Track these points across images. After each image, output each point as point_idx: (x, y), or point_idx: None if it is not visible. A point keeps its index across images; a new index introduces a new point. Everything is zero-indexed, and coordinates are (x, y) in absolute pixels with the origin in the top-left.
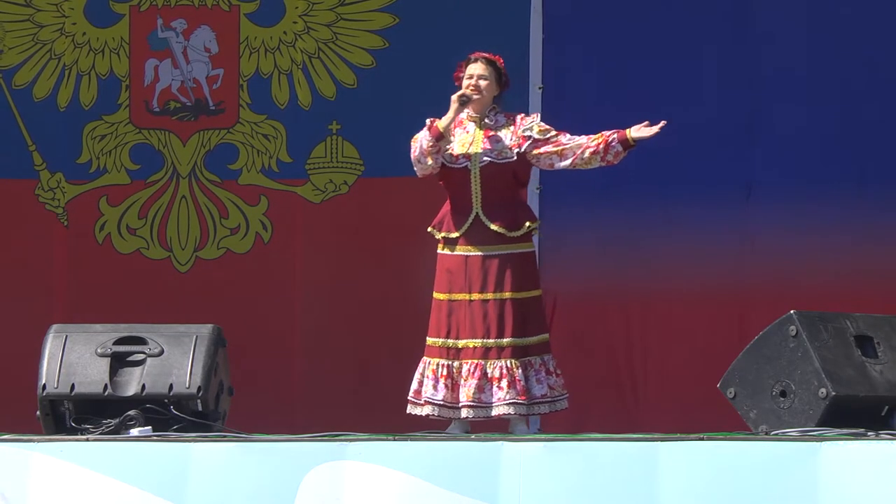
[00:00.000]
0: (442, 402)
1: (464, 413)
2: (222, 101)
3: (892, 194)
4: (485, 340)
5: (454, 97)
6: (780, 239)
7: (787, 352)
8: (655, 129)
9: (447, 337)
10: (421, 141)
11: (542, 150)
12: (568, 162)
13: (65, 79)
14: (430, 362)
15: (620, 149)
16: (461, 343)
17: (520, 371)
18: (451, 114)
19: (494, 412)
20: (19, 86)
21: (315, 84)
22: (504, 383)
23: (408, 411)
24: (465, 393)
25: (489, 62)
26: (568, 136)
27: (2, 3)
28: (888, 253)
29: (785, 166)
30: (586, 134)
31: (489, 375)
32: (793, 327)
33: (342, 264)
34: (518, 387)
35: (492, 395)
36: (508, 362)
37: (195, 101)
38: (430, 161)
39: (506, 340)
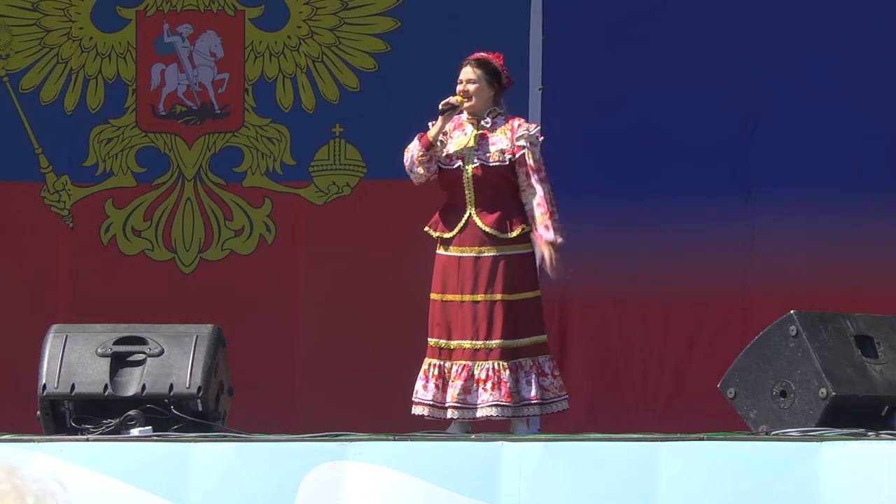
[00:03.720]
0: (431, 402)
1: (449, 413)
2: (227, 104)
3: (892, 194)
4: (473, 342)
5: (440, 106)
6: (779, 239)
7: (787, 352)
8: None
9: (440, 337)
10: (412, 151)
11: (518, 171)
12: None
13: (72, 82)
14: (425, 362)
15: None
16: (453, 344)
17: (507, 373)
18: (438, 123)
19: (479, 413)
20: (26, 89)
21: (318, 87)
22: (489, 385)
23: (412, 411)
24: (451, 394)
25: (479, 63)
26: (538, 185)
27: (8, 8)
28: (888, 253)
29: (785, 166)
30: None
31: (476, 377)
32: (793, 327)
33: (344, 265)
34: (503, 389)
35: (477, 396)
36: (496, 364)
37: (201, 104)
38: (421, 170)
39: (494, 342)
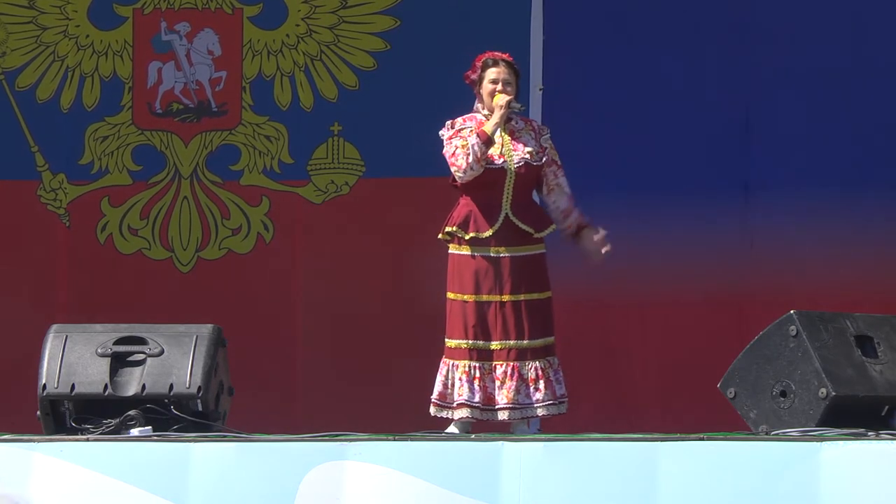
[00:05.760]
0: (478, 405)
1: (501, 416)
2: (225, 102)
3: (891, 194)
4: (519, 342)
5: (503, 102)
6: (779, 239)
7: (787, 352)
8: (602, 250)
9: (476, 339)
10: (474, 148)
11: (545, 172)
12: (544, 194)
13: (68, 80)
14: (458, 365)
15: (571, 231)
16: (494, 345)
17: (551, 371)
18: (497, 119)
19: (539, 412)
20: (22, 87)
21: (317, 86)
22: (542, 384)
23: (433, 413)
24: (506, 395)
25: (509, 65)
26: (564, 180)
27: (5, 5)
28: (888, 253)
29: (783, 166)
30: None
31: (525, 377)
32: (793, 327)
33: (343, 265)
34: (552, 387)
35: (529, 396)
36: (541, 363)
37: (198, 102)
38: (481, 167)
39: (539, 341)
